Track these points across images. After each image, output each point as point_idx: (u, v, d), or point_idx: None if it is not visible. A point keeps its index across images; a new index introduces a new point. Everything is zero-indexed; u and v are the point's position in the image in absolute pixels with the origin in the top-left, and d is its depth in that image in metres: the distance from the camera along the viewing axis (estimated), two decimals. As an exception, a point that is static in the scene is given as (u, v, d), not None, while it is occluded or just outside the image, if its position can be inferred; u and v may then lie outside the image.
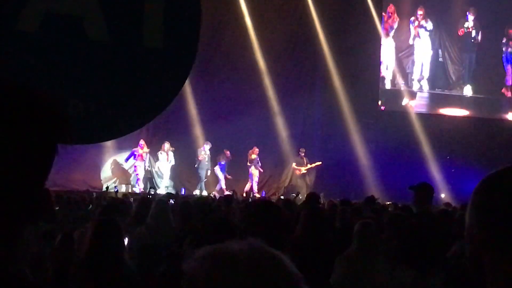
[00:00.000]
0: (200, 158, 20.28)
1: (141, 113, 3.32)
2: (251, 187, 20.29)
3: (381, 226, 6.13)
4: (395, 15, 23.79)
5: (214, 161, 20.53)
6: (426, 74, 24.10)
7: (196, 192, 19.82)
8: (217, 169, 20.52)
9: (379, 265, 5.15)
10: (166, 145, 19.99)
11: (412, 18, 23.89)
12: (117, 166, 20.27)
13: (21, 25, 2.95)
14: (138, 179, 19.76)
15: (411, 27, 23.92)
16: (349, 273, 5.09)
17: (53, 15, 2.99)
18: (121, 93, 3.19)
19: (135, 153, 19.69)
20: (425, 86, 24.16)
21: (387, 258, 5.29)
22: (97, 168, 19.79)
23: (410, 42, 24.04)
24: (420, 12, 23.82)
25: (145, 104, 3.27)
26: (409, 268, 5.10)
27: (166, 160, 20.08)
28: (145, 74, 3.19)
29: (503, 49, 24.80)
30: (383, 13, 23.53)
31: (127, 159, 20.01)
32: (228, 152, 20.55)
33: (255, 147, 20.62)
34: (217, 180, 20.58)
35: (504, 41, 24.81)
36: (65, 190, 16.71)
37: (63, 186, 17.62)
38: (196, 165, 20.38)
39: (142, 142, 19.54)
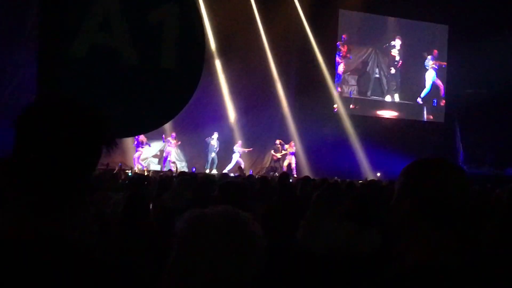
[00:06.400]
0: (212, 143, 19.98)
1: (161, 117, 3.32)
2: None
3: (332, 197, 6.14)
4: (346, 44, 23.89)
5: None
6: (368, 85, 24.22)
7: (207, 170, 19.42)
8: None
9: (330, 223, 5.16)
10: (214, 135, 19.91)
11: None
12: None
13: (73, 52, 2.95)
14: (165, 160, 19.43)
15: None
16: (309, 230, 5.09)
17: (96, 45, 3.00)
18: (146, 102, 3.18)
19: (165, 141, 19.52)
20: (367, 94, 24.25)
21: (336, 217, 5.31)
22: (131, 153, 19.52)
23: (356, 63, 24.13)
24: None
25: (164, 110, 3.27)
26: (352, 223, 5.13)
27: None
28: (162, 88, 3.19)
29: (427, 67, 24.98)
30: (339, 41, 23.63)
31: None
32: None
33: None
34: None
35: (427, 60, 24.93)
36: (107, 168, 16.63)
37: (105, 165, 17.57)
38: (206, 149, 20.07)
39: (173, 134, 19.27)
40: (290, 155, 20.70)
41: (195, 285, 1.40)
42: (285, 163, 20.53)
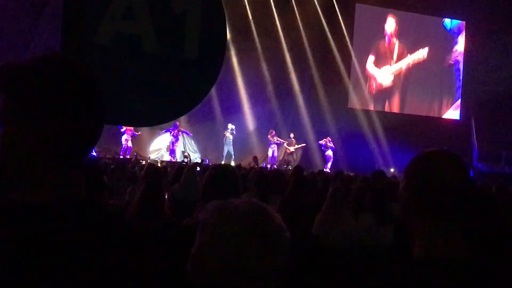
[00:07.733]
0: (227, 135, 19.75)
1: (180, 107, 3.32)
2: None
3: (347, 191, 6.16)
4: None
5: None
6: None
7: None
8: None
9: (346, 216, 5.17)
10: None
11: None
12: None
13: (98, 39, 2.96)
14: (172, 151, 19.03)
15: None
16: (325, 224, 5.10)
17: (119, 33, 3.01)
18: (166, 92, 3.18)
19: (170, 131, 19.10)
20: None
21: (352, 211, 5.33)
22: (145, 143, 19.54)
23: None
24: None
25: (183, 101, 3.26)
26: (369, 217, 5.14)
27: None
28: (184, 78, 3.19)
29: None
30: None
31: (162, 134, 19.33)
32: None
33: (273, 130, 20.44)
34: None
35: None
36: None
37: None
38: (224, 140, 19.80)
39: (177, 123, 18.88)
40: (331, 150, 20.80)
41: (220, 275, 1.41)
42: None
